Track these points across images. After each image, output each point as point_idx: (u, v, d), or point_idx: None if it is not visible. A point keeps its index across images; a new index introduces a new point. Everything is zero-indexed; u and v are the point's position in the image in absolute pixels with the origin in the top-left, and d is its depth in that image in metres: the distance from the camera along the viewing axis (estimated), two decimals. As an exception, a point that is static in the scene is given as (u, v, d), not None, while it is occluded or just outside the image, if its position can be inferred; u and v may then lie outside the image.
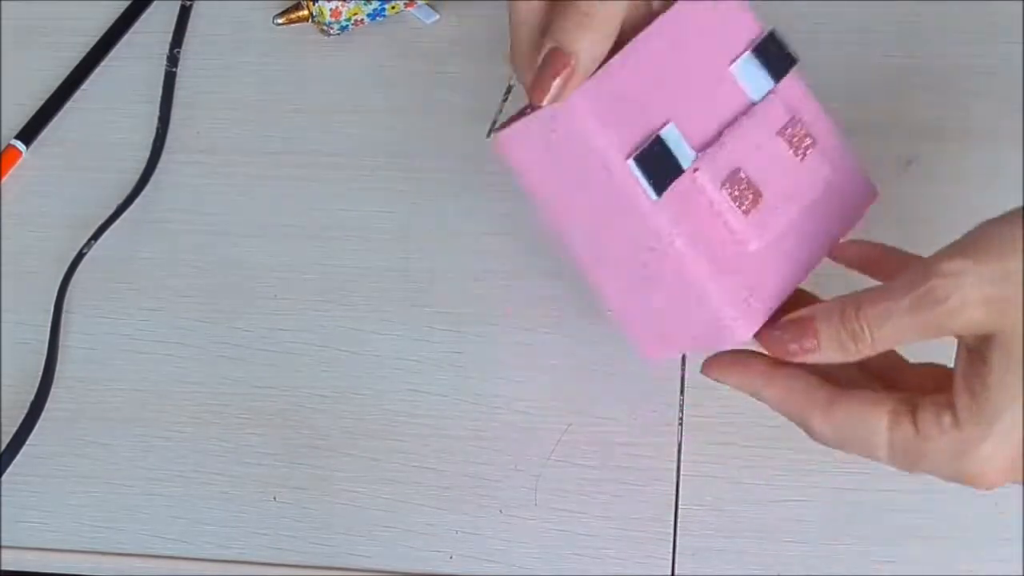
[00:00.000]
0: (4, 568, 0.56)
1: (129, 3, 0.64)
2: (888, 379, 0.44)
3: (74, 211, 0.61)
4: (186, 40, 0.64)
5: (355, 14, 0.61)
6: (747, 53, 0.44)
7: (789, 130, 0.44)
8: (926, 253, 0.40)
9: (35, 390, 0.57)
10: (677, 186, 0.42)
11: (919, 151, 0.57)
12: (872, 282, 0.45)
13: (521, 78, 0.43)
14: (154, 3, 0.64)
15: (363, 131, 0.61)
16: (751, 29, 0.45)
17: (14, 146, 0.62)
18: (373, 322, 0.58)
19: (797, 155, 0.44)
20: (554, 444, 0.55)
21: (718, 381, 0.45)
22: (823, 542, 0.52)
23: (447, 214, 0.59)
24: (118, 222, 0.60)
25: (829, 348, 0.41)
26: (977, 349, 0.39)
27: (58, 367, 0.58)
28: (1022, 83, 0.57)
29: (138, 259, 0.60)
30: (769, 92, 0.44)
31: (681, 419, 0.54)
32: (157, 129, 0.62)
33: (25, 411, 0.57)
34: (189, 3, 0.64)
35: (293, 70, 0.63)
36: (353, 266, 0.59)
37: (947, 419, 0.39)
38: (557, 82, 0.41)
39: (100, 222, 0.60)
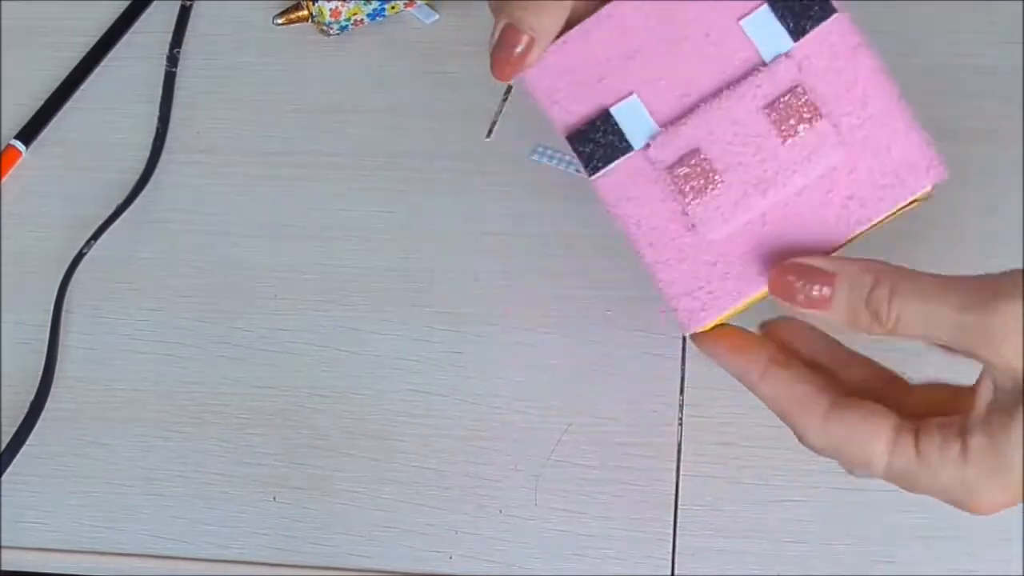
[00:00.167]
0: (4, 568, 0.56)
1: (129, 3, 0.64)
2: (884, 393, 0.41)
3: (74, 211, 0.61)
4: (186, 40, 0.64)
5: (355, 14, 0.61)
6: (763, 5, 0.40)
7: (781, 103, 0.39)
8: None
9: (35, 390, 0.57)
10: (627, 165, 0.41)
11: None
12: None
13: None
14: (154, 3, 0.64)
15: (363, 131, 0.61)
16: None
17: (14, 146, 0.62)
18: (373, 322, 0.58)
19: (781, 134, 0.39)
20: (554, 444, 0.55)
21: (707, 355, 0.42)
22: (823, 542, 0.52)
23: (447, 214, 0.59)
24: (118, 222, 0.60)
25: (839, 316, 0.38)
26: (1011, 392, 0.36)
27: (58, 367, 0.58)
28: (1022, 83, 0.57)
29: (138, 259, 0.60)
30: (781, 54, 0.39)
31: (681, 419, 0.54)
32: (157, 129, 0.62)
33: (25, 411, 0.57)
34: (189, 3, 0.64)
35: (293, 70, 0.62)
36: (353, 266, 0.58)
37: (954, 449, 0.37)
38: (513, 59, 0.41)
39: (100, 222, 0.60)
